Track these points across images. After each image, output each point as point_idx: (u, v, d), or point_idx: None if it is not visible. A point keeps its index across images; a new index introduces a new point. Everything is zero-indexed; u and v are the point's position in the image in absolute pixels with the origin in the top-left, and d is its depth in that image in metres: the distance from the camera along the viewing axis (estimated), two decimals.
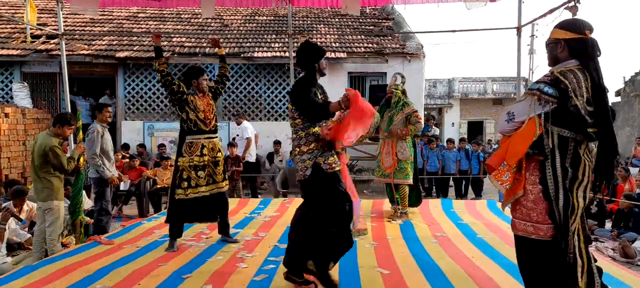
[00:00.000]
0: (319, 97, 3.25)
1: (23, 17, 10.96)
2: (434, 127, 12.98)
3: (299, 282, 3.21)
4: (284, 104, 12.06)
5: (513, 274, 3.41)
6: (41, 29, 10.85)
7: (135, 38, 12.38)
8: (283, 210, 6.32)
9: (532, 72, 21.31)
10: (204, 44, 12.15)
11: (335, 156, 3.20)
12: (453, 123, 25.72)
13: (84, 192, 5.66)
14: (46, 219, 4.77)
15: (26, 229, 5.76)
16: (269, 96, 12.10)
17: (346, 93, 3.01)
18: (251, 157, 9.85)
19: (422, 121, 5.44)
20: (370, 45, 12.43)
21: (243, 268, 3.72)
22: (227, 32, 13.31)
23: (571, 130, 2.36)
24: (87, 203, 6.05)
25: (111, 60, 11.48)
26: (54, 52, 11.14)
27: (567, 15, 5.16)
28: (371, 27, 13.71)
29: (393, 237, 4.81)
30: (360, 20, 14.11)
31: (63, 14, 8.10)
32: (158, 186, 8.16)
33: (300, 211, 3.25)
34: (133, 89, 11.92)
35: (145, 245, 4.57)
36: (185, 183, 4.30)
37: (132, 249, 4.40)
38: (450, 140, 10.88)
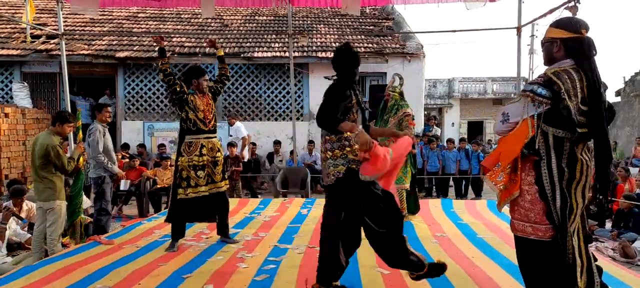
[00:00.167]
0: (353, 100, 3.19)
1: (23, 17, 10.95)
2: (435, 126, 12.98)
3: None
4: (284, 104, 12.06)
5: (513, 274, 3.41)
6: (41, 29, 10.86)
7: (135, 38, 12.38)
8: (283, 210, 6.33)
9: (532, 72, 21.35)
10: (204, 44, 12.14)
11: None
12: (453, 123, 25.72)
13: (82, 192, 5.66)
14: (48, 219, 4.76)
15: (25, 229, 5.76)
16: (269, 96, 12.10)
17: (360, 142, 2.91)
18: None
19: (415, 125, 5.32)
20: (370, 45, 12.43)
21: (243, 268, 3.72)
22: (227, 32, 13.31)
23: (565, 131, 2.35)
24: (87, 203, 6.05)
25: (111, 60, 11.48)
26: (54, 52, 11.14)
27: (566, 15, 5.16)
28: (371, 27, 13.71)
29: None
30: (360, 20, 14.11)
31: (63, 14, 8.11)
32: (158, 186, 8.16)
33: (332, 218, 3.12)
34: (133, 89, 11.92)
35: (145, 245, 4.57)
36: (185, 183, 4.31)
37: (132, 249, 4.40)
38: (450, 140, 10.89)
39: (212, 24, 13.80)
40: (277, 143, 11.30)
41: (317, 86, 11.97)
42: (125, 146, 10.65)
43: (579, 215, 2.39)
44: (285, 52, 11.59)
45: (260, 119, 12.07)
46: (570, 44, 2.42)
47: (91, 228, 5.65)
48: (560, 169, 2.38)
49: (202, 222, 4.83)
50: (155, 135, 11.83)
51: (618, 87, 17.83)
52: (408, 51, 12.02)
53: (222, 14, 14.51)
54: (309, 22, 14.17)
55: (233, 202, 6.76)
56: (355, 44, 12.46)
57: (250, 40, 12.73)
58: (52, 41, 11.66)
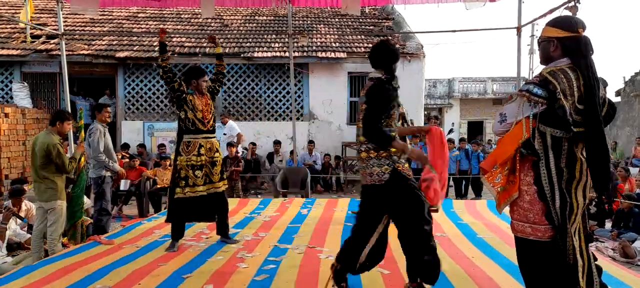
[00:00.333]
0: (396, 106, 3.08)
1: (21, 16, 10.95)
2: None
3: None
4: (284, 104, 12.05)
5: (513, 274, 3.41)
6: (41, 29, 10.86)
7: (135, 38, 12.38)
8: (283, 210, 6.32)
9: (532, 72, 21.36)
10: (204, 44, 12.15)
11: (408, 163, 3.10)
12: (453, 123, 25.72)
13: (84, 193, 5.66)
14: (48, 219, 4.76)
15: (25, 229, 5.76)
16: (269, 96, 12.09)
17: (416, 158, 2.94)
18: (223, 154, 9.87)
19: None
20: (370, 45, 12.41)
21: (243, 268, 3.72)
22: (227, 32, 13.31)
23: (562, 130, 2.35)
24: (87, 203, 6.05)
25: (111, 60, 11.48)
26: (54, 52, 11.14)
27: (566, 14, 5.16)
28: (371, 27, 13.71)
29: (393, 237, 4.80)
30: (360, 20, 14.11)
31: (63, 14, 8.11)
32: (158, 186, 8.16)
33: (369, 220, 3.05)
34: (133, 89, 11.92)
35: (145, 245, 4.57)
36: (183, 182, 4.31)
37: (132, 249, 4.40)
38: (450, 140, 10.88)
39: (212, 24, 13.80)
40: (277, 143, 11.30)
41: (317, 86, 11.99)
42: (125, 146, 10.65)
43: (580, 215, 2.38)
44: (285, 52, 11.59)
45: (260, 119, 12.07)
46: (567, 43, 2.41)
47: (91, 229, 5.66)
48: (559, 169, 2.37)
49: (200, 222, 4.82)
50: (155, 135, 11.83)
51: (618, 87, 17.84)
52: (408, 51, 12.01)
53: (222, 14, 14.51)
54: (309, 22, 14.17)
55: (233, 202, 6.76)
56: (355, 44, 12.46)
57: (250, 40, 12.73)
58: (52, 41, 11.66)
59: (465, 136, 20.34)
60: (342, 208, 6.43)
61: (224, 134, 10.28)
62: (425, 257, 2.93)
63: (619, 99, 17.51)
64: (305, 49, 11.87)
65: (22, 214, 5.73)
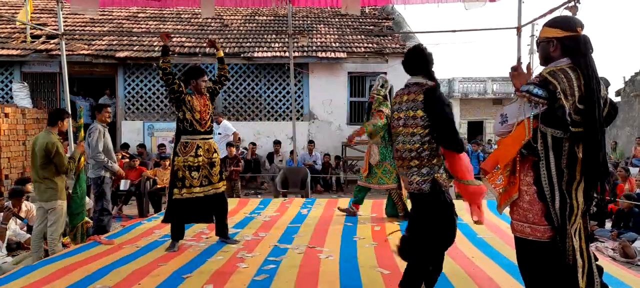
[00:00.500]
0: None
1: (20, 16, 10.94)
2: None
3: None
4: (284, 104, 12.04)
5: (513, 274, 3.41)
6: (41, 29, 10.86)
7: (135, 38, 12.38)
8: (283, 210, 6.33)
9: (532, 72, 21.30)
10: (204, 44, 12.12)
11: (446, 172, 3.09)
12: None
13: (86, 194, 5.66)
14: (49, 219, 4.77)
15: (25, 229, 5.76)
16: (269, 96, 12.09)
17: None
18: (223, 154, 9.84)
19: (383, 118, 5.29)
20: (370, 45, 12.42)
21: (243, 268, 3.72)
22: (227, 32, 13.31)
23: (561, 131, 2.34)
24: (88, 203, 6.05)
25: (111, 60, 11.48)
26: (54, 52, 11.14)
27: (566, 14, 5.16)
28: (371, 27, 13.71)
29: (393, 237, 4.80)
30: (360, 20, 14.11)
31: (63, 14, 8.11)
32: (158, 186, 8.16)
33: (415, 229, 3.05)
34: (133, 88, 11.92)
35: (145, 245, 4.57)
36: (180, 183, 4.30)
37: (132, 249, 4.40)
38: None
39: (212, 24, 13.80)
40: (277, 143, 11.30)
41: (317, 86, 11.98)
42: (125, 146, 10.65)
43: (580, 215, 2.38)
44: (285, 52, 11.58)
45: (260, 119, 12.07)
46: (567, 43, 2.41)
47: (92, 229, 5.66)
48: (560, 170, 2.36)
49: (198, 223, 4.81)
50: (155, 135, 11.83)
51: (618, 87, 17.84)
52: None
53: (222, 14, 14.50)
54: (309, 22, 14.17)
55: (233, 202, 6.77)
56: (355, 44, 12.47)
57: (250, 40, 12.73)
58: (52, 41, 11.66)
59: (466, 136, 20.35)
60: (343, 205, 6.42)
61: (219, 134, 10.28)
62: (431, 268, 2.95)
63: (619, 99, 17.51)
64: (305, 49, 11.87)
65: (22, 215, 5.73)
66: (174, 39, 12.41)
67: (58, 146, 4.70)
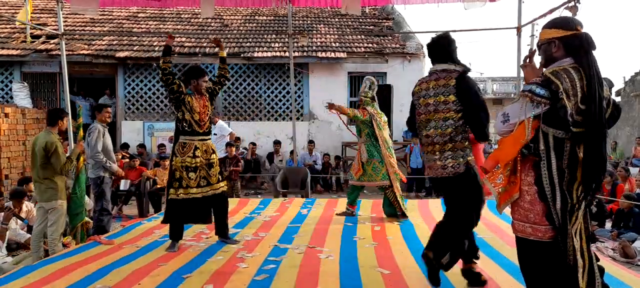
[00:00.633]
0: None
1: (19, 16, 10.94)
2: None
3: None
4: (284, 104, 12.04)
5: (513, 274, 3.41)
6: (41, 29, 10.86)
7: (135, 38, 12.38)
8: (283, 210, 6.32)
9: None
10: (204, 44, 12.15)
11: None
12: None
13: (85, 194, 5.66)
14: (49, 219, 4.77)
15: (25, 229, 5.76)
16: (269, 96, 12.09)
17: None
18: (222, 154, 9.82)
19: (365, 114, 5.48)
20: (370, 45, 12.43)
21: (243, 268, 3.72)
22: (227, 32, 13.31)
23: (563, 131, 2.33)
24: (89, 204, 6.05)
25: (111, 60, 11.48)
26: (54, 52, 11.14)
27: (566, 15, 5.16)
28: (371, 27, 13.71)
29: (393, 237, 4.81)
30: (360, 20, 14.11)
31: (63, 14, 8.11)
32: (158, 186, 8.15)
33: (453, 212, 3.19)
34: (133, 88, 11.92)
35: (145, 245, 4.56)
36: (177, 183, 4.30)
37: (132, 249, 4.40)
38: None
39: (212, 24, 13.80)
40: (277, 143, 11.30)
41: (317, 86, 11.98)
42: (125, 146, 10.65)
43: (581, 216, 2.38)
44: (285, 52, 11.58)
45: (260, 119, 12.07)
46: (569, 41, 2.40)
47: (92, 229, 5.66)
48: (561, 170, 2.36)
49: (196, 224, 4.79)
50: (155, 135, 11.83)
51: (618, 87, 17.84)
52: (408, 51, 12.02)
53: (222, 13, 14.50)
54: (309, 22, 14.17)
55: (233, 202, 6.76)
56: (355, 44, 12.47)
57: (250, 40, 12.73)
58: (52, 41, 11.66)
59: None
60: (342, 208, 6.42)
61: (214, 134, 10.28)
62: (465, 241, 3.15)
63: (619, 98, 17.51)
64: (305, 49, 11.87)
65: (22, 215, 5.73)
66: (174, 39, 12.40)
67: (57, 145, 4.70)
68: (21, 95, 11.11)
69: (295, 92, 11.70)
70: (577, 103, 2.28)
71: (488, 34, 72.55)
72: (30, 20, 10.67)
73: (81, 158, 5.20)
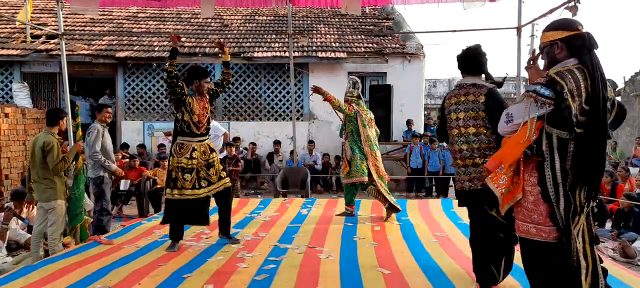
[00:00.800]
0: None
1: (19, 16, 10.94)
2: None
3: None
4: (284, 104, 12.04)
5: (513, 274, 3.41)
6: (41, 29, 10.85)
7: (135, 38, 12.38)
8: (283, 210, 6.32)
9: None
10: (204, 44, 12.15)
11: None
12: None
13: (85, 194, 5.65)
14: (48, 219, 4.77)
15: (25, 230, 5.76)
16: (269, 96, 12.09)
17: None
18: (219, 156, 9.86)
19: (351, 109, 5.57)
20: (370, 45, 12.42)
21: (244, 268, 3.72)
22: (227, 32, 13.31)
23: (567, 132, 2.33)
24: (89, 205, 6.05)
25: (111, 60, 11.48)
26: (54, 52, 11.13)
27: (567, 15, 5.16)
28: (371, 27, 13.71)
29: (393, 237, 4.81)
30: (360, 20, 14.10)
31: (63, 14, 8.11)
32: (158, 186, 8.15)
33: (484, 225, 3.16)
34: (133, 88, 11.91)
35: (145, 245, 4.56)
36: (172, 183, 4.29)
37: (132, 249, 4.40)
38: None
39: (212, 24, 13.80)
40: (277, 143, 11.29)
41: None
42: (125, 146, 10.65)
43: (584, 217, 2.37)
44: (285, 52, 11.58)
45: (260, 119, 12.07)
46: (572, 42, 2.39)
47: (91, 229, 5.66)
48: (564, 171, 2.34)
49: (193, 225, 4.77)
50: (155, 135, 11.83)
51: (618, 87, 17.85)
52: (408, 51, 12.01)
53: (222, 13, 14.50)
54: (309, 22, 14.17)
55: (233, 202, 6.73)
56: (355, 44, 12.46)
57: (250, 40, 12.73)
58: (52, 41, 11.65)
59: None
60: (342, 209, 6.42)
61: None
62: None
63: (619, 98, 17.51)
64: (305, 48, 11.87)
65: (23, 215, 5.73)
66: None
67: (53, 146, 4.69)
68: (21, 95, 11.11)
69: (295, 92, 11.69)
70: (582, 104, 2.27)
71: (488, 34, 72.48)
72: (30, 20, 10.66)
73: (79, 159, 5.18)
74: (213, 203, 4.62)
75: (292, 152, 10.03)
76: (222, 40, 5.88)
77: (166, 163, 8.28)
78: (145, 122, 11.88)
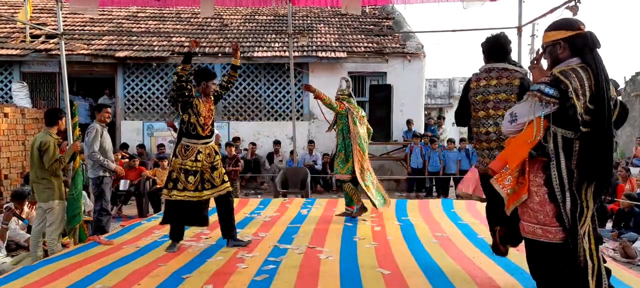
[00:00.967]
0: None
1: (19, 16, 10.92)
2: (442, 127, 13.11)
3: None
4: (284, 104, 12.03)
5: (514, 275, 3.40)
6: (40, 29, 10.84)
7: (134, 38, 12.37)
8: (283, 210, 6.32)
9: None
10: (204, 44, 12.14)
11: None
12: (453, 123, 25.65)
13: (84, 192, 5.64)
14: (47, 219, 4.76)
15: (25, 230, 5.75)
16: (269, 96, 12.08)
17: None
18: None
19: (342, 107, 5.63)
20: (370, 45, 12.41)
21: (243, 269, 3.71)
22: (226, 31, 13.30)
23: (572, 131, 2.32)
24: (89, 206, 6.04)
25: (110, 60, 11.47)
26: (54, 52, 11.12)
27: (567, 15, 5.16)
28: (371, 27, 13.70)
29: (393, 237, 4.80)
30: (360, 20, 14.09)
31: (62, 14, 8.10)
32: (157, 186, 8.14)
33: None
34: (132, 88, 11.90)
35: (145, 245, 4.56)
36: (171, 184, 4.28)
37: (132, 249, 4.39)
38: (451, 140, 10.90)
39: (212, 24, 13.79)
40: (277, 143, 11.29)
41: (317, 86, 11.83)
42: (125, 146, 10.64)
43: (590, 217, 2.36)
44: (285, 51, 11.57)
45: (260, 119, 12.06)
46: (574, 41, 2.39)
47: (91, 229, 5.65)
48: (570, 171, 2.33)
49: (192, 226, 4.75)
50: (155, 135, 11.82)
51: (619, 86, 17.86)
52: (408, 51, 12.00)
53: (221, 13, 14.48)
54: (309, 21, 14.16)
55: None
56: (355, 44, 12.46)
57: (250, 39, 12.72)
58: (51, 41, 11.64)
59: (466, 136, 20.29)
60: (342, 209, 6.41)
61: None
62: None
63: (619, 98, 17.52)
64: (305, 48, 11.86)
65: (23, 215, 5.72)
66: (174, 39, 12.40)
67: (49, 145, 4.68)
68: (21, 95, 11.10)
69: (295, 92, 11.68)
70: (586, 103, 2.27)
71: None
72: (30, 20, 10.62)
73: (77, 159, 5.16)
74: (212, 204, 4.61)
75: (292, 152, 10.03)
76: (233, 42, 5.87)
77: (166, 163, 8.36)
78: (145, 122, 11.87)
